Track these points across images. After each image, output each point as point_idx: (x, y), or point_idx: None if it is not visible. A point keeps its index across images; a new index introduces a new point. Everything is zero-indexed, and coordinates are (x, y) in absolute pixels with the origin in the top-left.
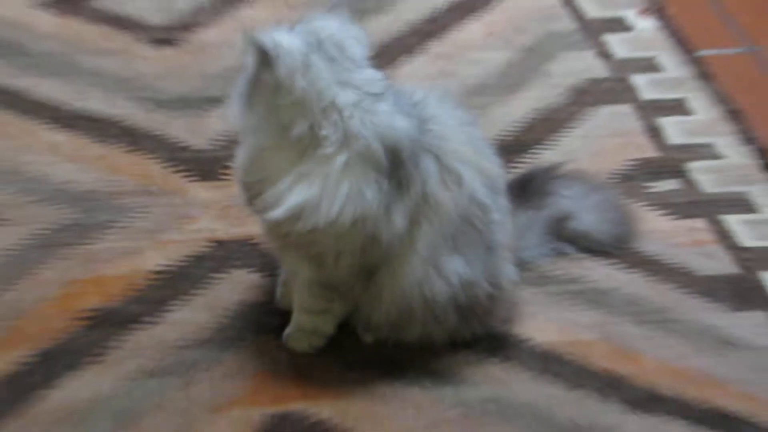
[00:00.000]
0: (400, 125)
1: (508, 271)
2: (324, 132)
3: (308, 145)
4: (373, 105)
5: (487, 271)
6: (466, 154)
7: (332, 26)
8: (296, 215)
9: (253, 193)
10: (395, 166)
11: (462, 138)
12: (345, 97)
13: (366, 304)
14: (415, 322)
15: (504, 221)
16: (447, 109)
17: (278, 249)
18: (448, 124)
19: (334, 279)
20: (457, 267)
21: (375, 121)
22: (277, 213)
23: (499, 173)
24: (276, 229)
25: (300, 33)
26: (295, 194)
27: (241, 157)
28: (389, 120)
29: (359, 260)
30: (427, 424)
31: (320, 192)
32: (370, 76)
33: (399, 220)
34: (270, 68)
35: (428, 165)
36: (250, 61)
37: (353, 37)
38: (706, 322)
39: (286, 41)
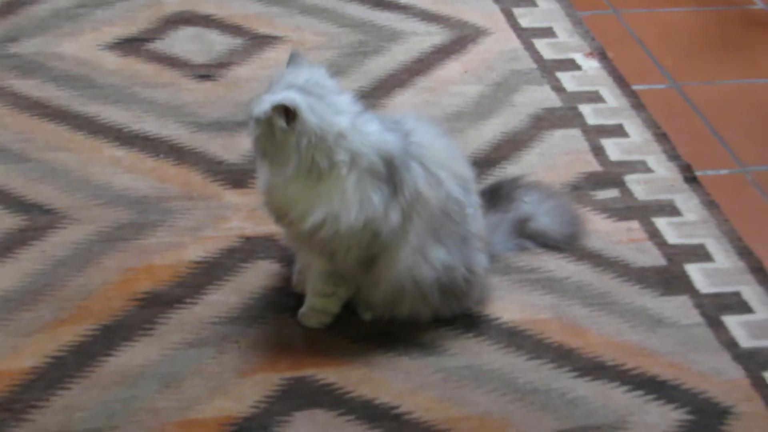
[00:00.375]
0: (390, 139)
1: (480, 259)
2: (338, 158)
3: (324, 171)
4: (365, 126)
5: (463, 258)
6: (443, 159)
7: (302, 72)
8: (320, 226)
9: (281, 215)
10: (391, 173)
11: (438, 146)
12: (344, 122)
13: (366, 287)
14: (406, 300)
15: (476, 215)
16: (422, 125)
17: (297, 247)
18: (425, 135)
19: (342, 268)
20: (439, 254)
21: (371, 139)
22: (306, 226)
23: (470, 174)
24: (301, 236)
25: (285, 88)
26: (318, 210)
27: (263, 188)
28: (381, 136)
29: (364, 252)
30: (414, 386)
31: (339, 206)
32: (349, 98)
33: (395, 217)
34: (296, 119)
35: (416, 169)
36: (278, 123)
37: (321, 74)
38: (640, 304)
39: (291, 96)
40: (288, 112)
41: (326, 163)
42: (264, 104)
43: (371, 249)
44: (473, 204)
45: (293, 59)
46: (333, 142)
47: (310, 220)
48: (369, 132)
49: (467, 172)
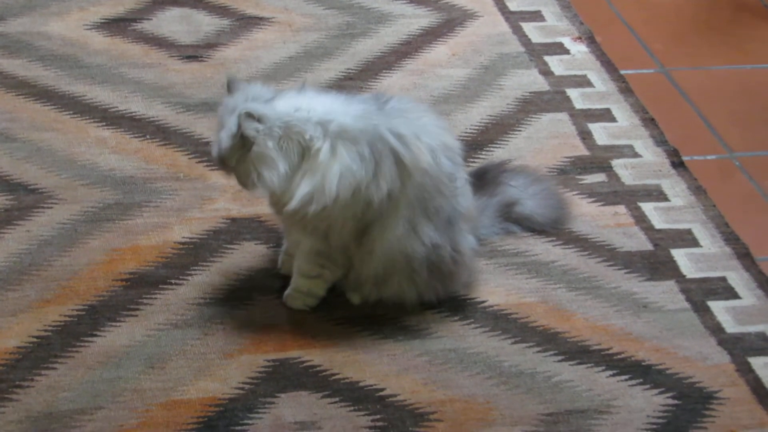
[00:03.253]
0: (356, 103)
1: (466, 240)
2: (308, 136)
3: (304, 150)
4: (318, 102)
5: (449, 237)
6: (428, 128)
7: (240, 96)
8: (308, 202)
9: (274, 199)
10: (372, 137)
11: (419, 113)
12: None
13: (358, 260)
14: (395, 275)
15: (465, 189)
16: (400, 98)
17: (289, 227)
18: (404, 103)
19: (336, 245)
20: (428, 231)
21: (332, 107)
22: (293, 204)
23: (458, 145)
24: (294, 215)
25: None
26: (303, 187)
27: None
28: (345, 101)
29: (359, 222)
30: (399, 369)
31: (321, 179)
32: (293, 92)
33: (384, 184)
34: (261, 120)
35: (403, 132)
36: (251, 127)
37: (257, 88)
38: (626, 289)
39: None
40: (252, 116)
41: (301, 145)
42: (225, 133)
43: (366, 217)
44: (461, 177)
45: (231, 85)
46: (302, 124)
47: (297, 197)
48: (325, 103)
49: (455, 142)
